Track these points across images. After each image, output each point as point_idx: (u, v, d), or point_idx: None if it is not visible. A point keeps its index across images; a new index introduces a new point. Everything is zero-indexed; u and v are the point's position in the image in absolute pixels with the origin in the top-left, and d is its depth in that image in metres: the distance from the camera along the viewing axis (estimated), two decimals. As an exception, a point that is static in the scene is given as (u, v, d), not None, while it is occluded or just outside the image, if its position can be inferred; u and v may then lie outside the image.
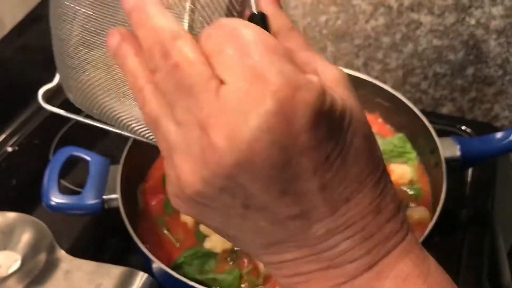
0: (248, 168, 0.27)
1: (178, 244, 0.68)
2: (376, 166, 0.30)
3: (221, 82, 0.28)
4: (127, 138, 0.73)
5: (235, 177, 0.28)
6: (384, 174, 0.31)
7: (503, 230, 0.81)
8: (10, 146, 0.86)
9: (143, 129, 0.37)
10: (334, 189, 0.29)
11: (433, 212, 0.65)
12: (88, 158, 0.72)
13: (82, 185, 0.69)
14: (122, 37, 0.32)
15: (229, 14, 0.33)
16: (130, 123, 0.37)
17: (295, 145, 0.27)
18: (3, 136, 0.87)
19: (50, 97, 0.41)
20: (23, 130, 0.88)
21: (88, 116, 0.40)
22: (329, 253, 0.30)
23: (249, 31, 0.29)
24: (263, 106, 0.27)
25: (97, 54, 0.35)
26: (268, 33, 0.29)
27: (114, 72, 0.36)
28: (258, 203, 0.29)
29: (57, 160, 0.71)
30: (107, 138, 0.87)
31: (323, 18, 0.96)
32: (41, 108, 0.96)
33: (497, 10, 0.87)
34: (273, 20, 0.34)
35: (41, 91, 0.40)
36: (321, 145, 0.28)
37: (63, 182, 0.77)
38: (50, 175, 0.69)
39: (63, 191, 0.69)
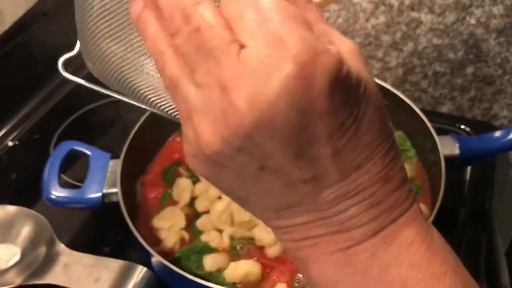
0: (267, 128, 0.28)
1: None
2: (387, 136, 0.31)
3: (242, 46, 0.29)
4: (128, 133, 0.73)
5: (254, 137, 0.28)
6: (393, 145, 0.32)
7: (501, 229, 0.81)
8: (11, 140, 0.86)
9: (160, 100, 0.37)
10: (347, 156, 0.30)
11: (431, 210, 0.66)
12: (88, 152, 0.72)
13: (82, 179, 0.70)
14: (144, 4, 0.33)
15: None
16: (147, 93, 0.37)
17: (313, 109, 0.28)
18: (4, 130, 0.87)
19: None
20: (24, 125, 0.88)
21: (106, 87, 0.39)
22: (338, 218, 0.31)
23: None
24: (284, 70, 0.27)
25: (118, 23, 0.36)
26: (286, 0, 0.30)
27: (133, 41, 0.36)
28: (273, 164, 0.30)
29: (57, 154, 0.71)
30: (107, 133, 0.87)
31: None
32: (41, 103, 0.96)
33: (497, 9, 0.87)
34: None
35: (61, 60, 0.40)
36: (337, 112, 0.29)
37: (64, 177, 0.77)
38: (51, 169, 0.70)
39: (64, 186, 0.69)
